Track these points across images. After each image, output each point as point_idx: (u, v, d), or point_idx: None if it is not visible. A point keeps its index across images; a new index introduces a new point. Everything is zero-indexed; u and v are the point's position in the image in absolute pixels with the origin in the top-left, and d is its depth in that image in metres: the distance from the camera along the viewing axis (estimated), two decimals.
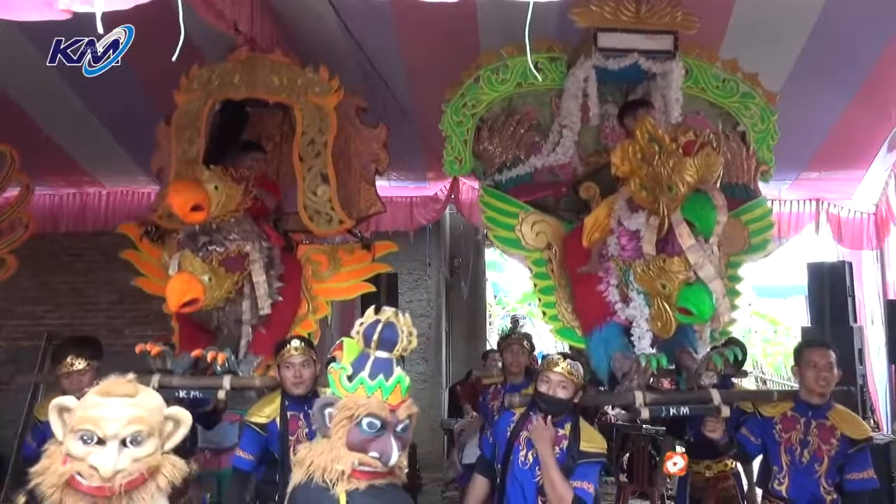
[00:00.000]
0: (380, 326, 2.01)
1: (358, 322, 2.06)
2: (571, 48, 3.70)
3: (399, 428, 1.96)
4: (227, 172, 3.37)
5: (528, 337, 4.63)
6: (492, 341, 10.94)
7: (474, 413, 5.58)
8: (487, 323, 11.54)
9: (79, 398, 1.76)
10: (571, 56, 3.68)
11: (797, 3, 3.87)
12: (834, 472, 3.08)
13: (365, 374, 1.99)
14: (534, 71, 3.59)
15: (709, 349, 3.29)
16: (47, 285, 6.89)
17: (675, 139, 2.90)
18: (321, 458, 1.97)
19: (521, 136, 3.75)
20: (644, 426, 5.37)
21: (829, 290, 5.88)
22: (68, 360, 3.24)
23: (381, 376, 1.97)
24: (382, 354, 2.00)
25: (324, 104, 3.68)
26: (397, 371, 1.98)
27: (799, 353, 3.22)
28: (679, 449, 6.06)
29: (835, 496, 3.08)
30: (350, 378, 2.01)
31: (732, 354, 3.25)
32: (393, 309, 2.05)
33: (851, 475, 3.07)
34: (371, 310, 2.06)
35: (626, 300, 3.19)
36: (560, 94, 3.72)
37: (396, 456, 1.93)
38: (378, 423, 1.94)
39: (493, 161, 3.73)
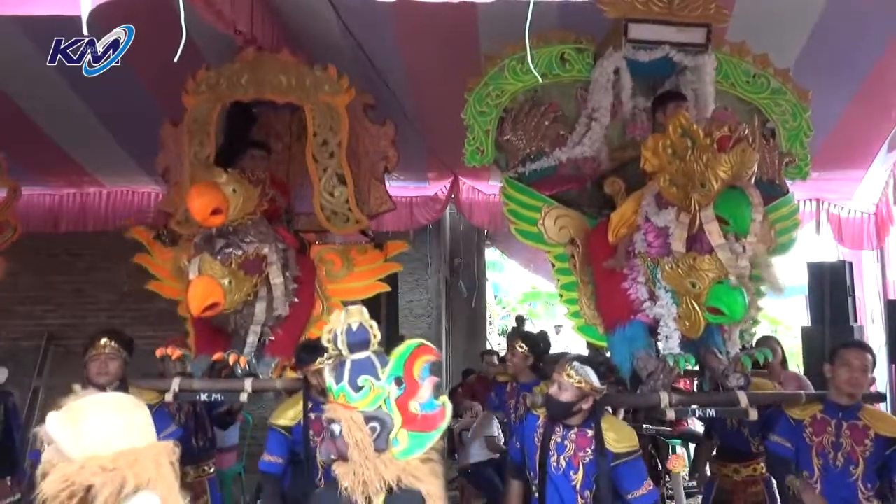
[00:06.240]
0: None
1: None
2: (599, 40, 3.61)
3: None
4: (243, 175, 3.36)
5: (528, 337, 4.44)
6: (492, 341, 10.95)
7: (478, 409, 5.51)
8: (487, 323, 11.53)
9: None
10: (599, 48, 3.59)
11: (797, 2, 3.87)
12: (872, 476, 2.92)
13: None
14: (533, 69, 3.47)
15: (738, 350, 3.19)
16: (47, 285, 6.88)
17: (709, 134, 2.80)
18: None
19: (545, 128, 3.64)
20: (644, 426, 5.35)
21: (830, 289, 5.89)
22: (102, 341, 3.23)
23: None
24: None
25: (334, 103, 3.66)
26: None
27: (835, 351, 3.11)
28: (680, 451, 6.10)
29: (875, 503, 2.91)
30: None
31: (762, 356, 3.11)
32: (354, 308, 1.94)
33: None
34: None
35: (653, 298, 3.10)
36: (586, 86, 3.61)
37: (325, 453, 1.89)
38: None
39: (517, 152, 3.62)
